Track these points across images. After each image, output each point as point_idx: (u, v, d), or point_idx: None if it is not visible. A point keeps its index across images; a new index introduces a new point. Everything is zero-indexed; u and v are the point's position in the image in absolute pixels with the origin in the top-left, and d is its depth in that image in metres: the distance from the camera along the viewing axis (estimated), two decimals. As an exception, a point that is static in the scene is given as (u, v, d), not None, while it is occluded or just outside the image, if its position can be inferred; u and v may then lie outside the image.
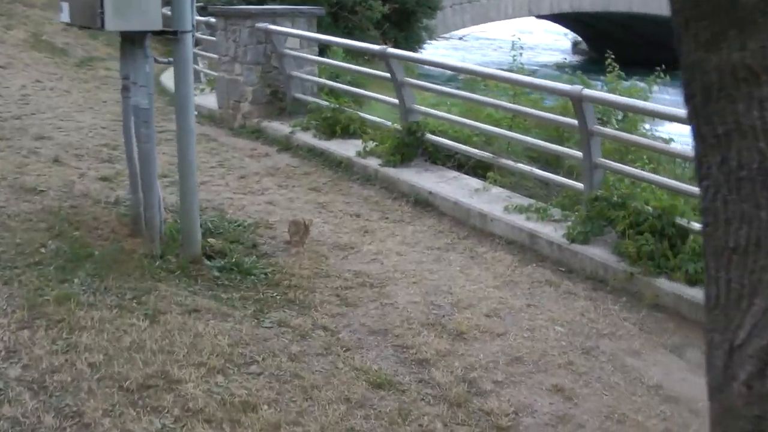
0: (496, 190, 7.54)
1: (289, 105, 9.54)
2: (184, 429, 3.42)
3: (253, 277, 5.33)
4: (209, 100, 10.72)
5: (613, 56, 9.32)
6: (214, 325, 4.39)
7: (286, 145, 8.94)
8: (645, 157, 6.90)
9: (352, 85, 9.54)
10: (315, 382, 3.93)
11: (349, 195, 7.58)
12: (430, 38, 19.70)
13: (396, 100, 8.22)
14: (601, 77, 10.87)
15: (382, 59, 7.92)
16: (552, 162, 8.42)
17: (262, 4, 11.96)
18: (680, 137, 9.03)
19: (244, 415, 3.56)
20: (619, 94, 8.00)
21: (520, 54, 9.87)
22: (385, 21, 16.89)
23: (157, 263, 5.10)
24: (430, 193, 7.48)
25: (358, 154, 8.33)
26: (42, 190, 6.25)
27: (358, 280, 5.46)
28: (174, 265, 5.19)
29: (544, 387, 4.34)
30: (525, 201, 7.21)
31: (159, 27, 4.99)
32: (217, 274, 5.25)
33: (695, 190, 6.27)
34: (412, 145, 8.05)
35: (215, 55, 10.38)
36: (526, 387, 4.32)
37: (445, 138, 8.02)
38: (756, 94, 1.40)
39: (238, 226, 6.29)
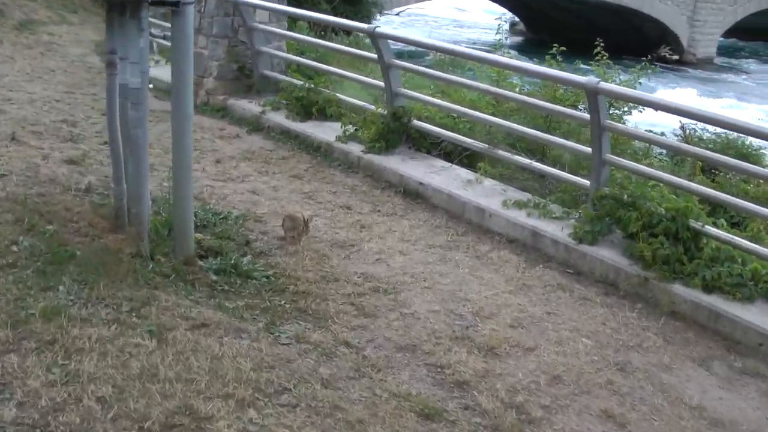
0: (488, 182, 7.15)
1: (257, 82, 8.88)
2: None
3: (254, 281, 4.79)
4: (166, 73, 9.87)
5: (555, 44, 8.77)
6: (230, 344, 3.85)
7: (256, 126, 8.30)
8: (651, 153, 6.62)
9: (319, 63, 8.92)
10: (359, 415, 3.46)
11: (334, 183, 7.05)
12: (380, 13, 19.10)
13: (378, 82, 7.69)
14: (534, 59, 10.37)
15: (370, 38, 7.36)
16: (537, 151, 8.07)
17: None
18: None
19: (289, 460, 3.06)
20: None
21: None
22: (336, -5, 16.24)
23: (150, 266, 4.49)
24: (421, 184, 7.03)
25: (338, 138, 7.79)
26: (3, 174, 5.48)
27: (370, 285, 5.00)
28: (167, 267, 4.59)
29: (592, 412, 4.02)
30: (522, 195, 6.85)
31: (154, -4, 4.33)
32: (214, 277, 4.69)
33: (709, 191, 6.08)
34: (397, 132, 7.57)
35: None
36: (574, 412, 3.99)
37: (431, 124, 7.54)
38: None
39: (224, 218, 5.71)
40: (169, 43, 4.64)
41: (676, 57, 26.30)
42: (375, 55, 7.49)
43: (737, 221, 6.91)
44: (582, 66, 9.92)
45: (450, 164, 7.47)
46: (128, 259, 4.53)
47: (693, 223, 5.71)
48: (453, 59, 10.70)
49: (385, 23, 27.90)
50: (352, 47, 9.84)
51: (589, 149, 6.27)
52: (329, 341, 4.20)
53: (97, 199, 5.48)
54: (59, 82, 8.84)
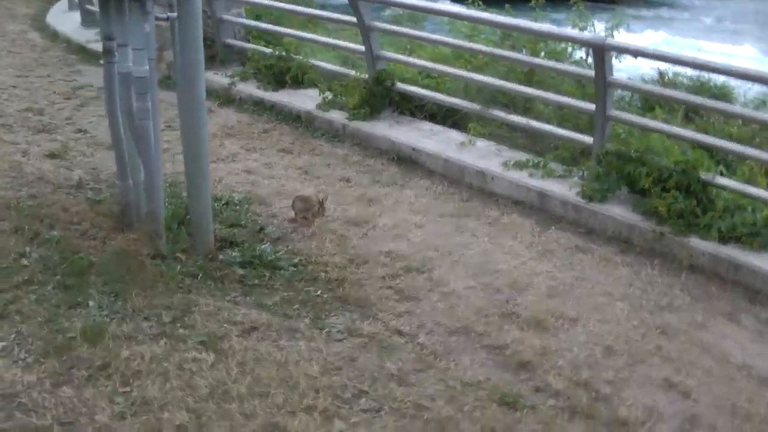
0: (481, 143, 6.99)
1: (221, 52, 8.41)
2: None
3: (282, 271, 4.54)
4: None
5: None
6: (288, 348, 3.63)
7: (226, 99, 7.89)
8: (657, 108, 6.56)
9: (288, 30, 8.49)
10: (445, 413, 3.32)
11: (324, 155, 6.77)
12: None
13: (357, 46, 7.37)
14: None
15: (351, 2, 6.99)
16: (518, 106, 7.92)
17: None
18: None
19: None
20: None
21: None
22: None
23: (178, 267, 4.18)
24: (414, 149, 6.82)
25: (319, 107, 7.48)
26: (-14, 176, 5.03)
27: (400, 265, 4.81)
28: (192, 265, 4.31)
29: (654, 382, 3.98)
30: (519, 155, 6.72)
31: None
32: (241, 272, 4.42)
33: (718, 142, 6.07)
34: (381, 96, 7.30)
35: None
36: (637, 384, 3.94)
37: (416, 87, 7.30)
38: None
39: (227, 204, 5.40)
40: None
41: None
42: (353, 18, 7.14)
43: (726, 164, 6.93)
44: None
45: (440, 127, 7.27)
46: (150, 262, 4.21)
47: (704, 175, 5.69)
48: (411, 14, 10.35)
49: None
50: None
51: (587, 105, 6.16)
52: (381, 331, 4.02)
53: (92, 195, 5.09)
54: (8, 65, 8.19)
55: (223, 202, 5.40)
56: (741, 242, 5.38)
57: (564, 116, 7.39)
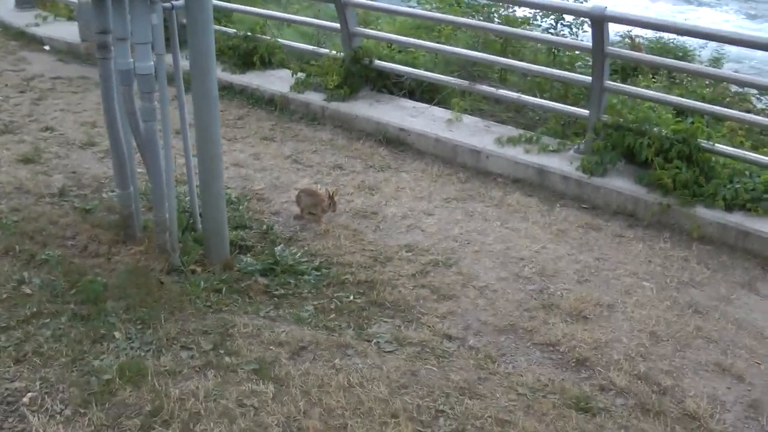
0: (468, 119, 6.78)
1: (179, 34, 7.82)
2: None
3: (306, 276, 4.23)
4: (63, 31, 8.58)
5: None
6: (345, 368, 3.36)
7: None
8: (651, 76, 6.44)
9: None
10: (529, 426, 3.11)
11: (308, 140, 6.43)
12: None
13: (331, 24, 7.00)
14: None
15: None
16: (493, 78, 7.73)
17: None
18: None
19: None
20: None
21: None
22: None
23: (201, 283, 3.81)
24: (402, 129, 6.54)
25: (293, 88, 7.09)
26: (-41, 190, 4.51)
27: (425, 260, 4.57)
28: (213, 279, 3.95)
29: (708, 368, 3.90)
30: (508, 130, 6.55)
31: (169, -42, 3.49)
32: (264, 281, 4.09)
33: (718, 109, 6.01)
34: (359, 75, 6.97)
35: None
36: (692, 372, 3.86)
37: (395, 64, 6.99)
38: None
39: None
40: None
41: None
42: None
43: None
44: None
45: (422, 104, 7.01)
46: (167, 279, 3.84)
47: (704, 143, 5.62)
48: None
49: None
50: None
51: (582, 77, 6.00)
52: (430, 337, 3.78)
53: (80, 204, 4.63)
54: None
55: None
56: (746, 209, 5.37)
57: (539, 87, 7.25)
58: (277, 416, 2.95)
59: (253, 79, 7.31)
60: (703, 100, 6.82)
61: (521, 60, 7.31)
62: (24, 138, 5.56)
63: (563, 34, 8.14)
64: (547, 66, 7.16)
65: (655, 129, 5.72)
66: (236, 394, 3.05)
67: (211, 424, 2.86)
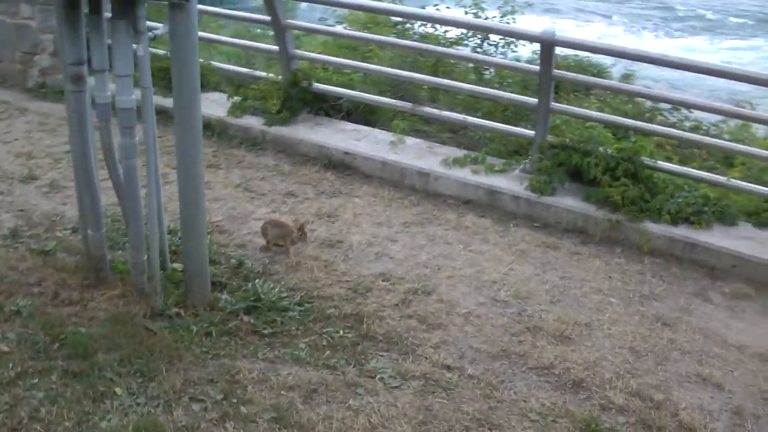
0: (410, 140, 6.82)
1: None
2: None
3: (290, 312, 4.13)
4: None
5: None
6: (362, 409, 3.32)
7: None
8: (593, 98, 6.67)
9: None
10: (552, 456, 3.14)
11: (254, 167, 6.29)
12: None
13: (268, 46, 6.88)
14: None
15: (265, 0, 6.45)
16: (424, 98, 7.81)
17: None
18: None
19: None
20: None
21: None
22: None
23: (194, 327, 3.64)
24: (347, 153, 6.50)
25: (230, 113, 6.90)
26: None
27: (403, 289, 4.56)
28: (204, 322, 3.78)
29: (690, 380, 4.08)
30: (452, 151, 6.64)
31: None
32: (252, 321, 3.95)
33: (657, 128, 6.29)
34: (298, 98, 6.87)
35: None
36: (678, 384, 4.02)
37: (334, 86, 6.95)
38: None
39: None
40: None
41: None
42: (266, 17, 6.61)
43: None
44: None
45: (363, 127, 6.99)
46: (156, 326, 3.64)
47: (647, 161, 5.88)
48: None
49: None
50: None
51: (527, 99, 6.16)
52: (430, 369, 3.77)
53: (37, 246, 4.33)
54: None
55: (180, 235, 4.78)
56: (689, 222, 5.65)
57: (473, 106, 7.40)
58: (312, 467, 2.84)
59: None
60: (626, 116, 7.12)
61: (453, 80, 7.41)
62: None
63: (490, 53, 8.31)
64: (476, 85, 7.29)
65: (600, 148, 5.93)
66: (261, 447, 2.92)
67: (245, 481, 2.72)
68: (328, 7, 8.01)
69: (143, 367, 3.30)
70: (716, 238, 5.51)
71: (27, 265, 4.06)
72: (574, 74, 6.33)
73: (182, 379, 3.27)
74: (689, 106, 6.21)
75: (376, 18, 8.03)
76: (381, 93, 7.48)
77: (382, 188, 6.17)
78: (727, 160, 7.03)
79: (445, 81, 6.60)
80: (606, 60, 9.18)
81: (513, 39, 7.73)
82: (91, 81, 3.68)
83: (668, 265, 5.37)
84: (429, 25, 8.01)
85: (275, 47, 6.76)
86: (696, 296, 5.00)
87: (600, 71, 9.23)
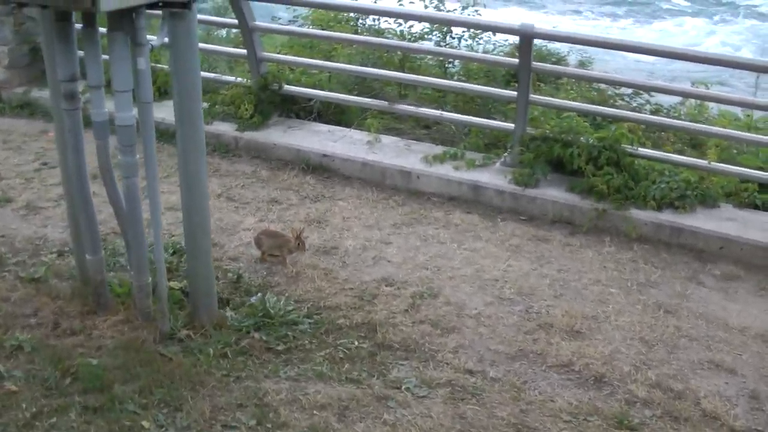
0: (386, 139, 6.73)
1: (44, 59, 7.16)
2: None
3: (300, 326, 4.01)
4: None
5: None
6: (398, 423, 3.25)
7: (85, 119, 6.73)
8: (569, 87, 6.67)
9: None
10: (596, 457, 3.10)
11: (232, 175, 6.12)
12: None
13: (235, 50, 6.69)
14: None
15: (233, 2, 6.25)
16: (392, 94, 7.73)
17: None
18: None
19: None
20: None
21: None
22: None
23: (210, 350, 3.50)
24: (325, 155, 6.37)
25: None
26: None
27: (408, 293, 4.48)
28: (217, 342, 3.64)
29: (703, 366, 4.10)
30: (429, 148, 6.58)
31: (154, -3, 3.16)
32: (264, 338, 3.81)
33: (636, 115, 6.33)
34: (269, 102, 6.71)
35: None
36: (692, 372, 4.04)
37: (305, 87, 6.81)
38: None
39: (175, 253, 4.63)
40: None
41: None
42: (233, 20, 6.42)
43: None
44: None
45: (336, 127, 6.87)
46: (170, 351, 3.48)
47: (628, 148, 5.92)
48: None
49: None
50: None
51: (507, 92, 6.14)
52: (453, 375, 3.71)
53: (26, 273, 4.11)
54: None
55: (171, 251, 4.61)
56: (674, 207, 5.70)
57: (438, 101, 7.36)
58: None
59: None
60: (593, 102, 7.16)
61: (421, 75, 7.34)
62: None
63: (453, 46, 8.25)
64: (441, 78, 7.23)
65: (581, 138, 5.94)
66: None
67: None
68: (289, 6, 7.80)
69: (166, 397, 3.14)
70: (701, 221, 5.58)
71: (19, 295, 3.83)
72: (552, 66, 6.31)
73: (210, 406, 3.12)
74: (668, 92, 6.27)
75: (337, 16, 7.88)
76: (349, 92, 7.36)
77: (365, 189, 6.06)
78: (691, 142, 7.17)
79: (421, 78, 6.54)
80: (562, 48, 9.26)
81: (479, 32, 7.68)
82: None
83: (657, 251, 5.41)
84: (393, 20, 7.90)
85: (243, 51, 6.56)
86: (689, 281, 5.04)
87: (559, 59, 9.30)
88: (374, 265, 4.82)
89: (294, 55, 7.12)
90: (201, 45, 7.28)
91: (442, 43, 8.31)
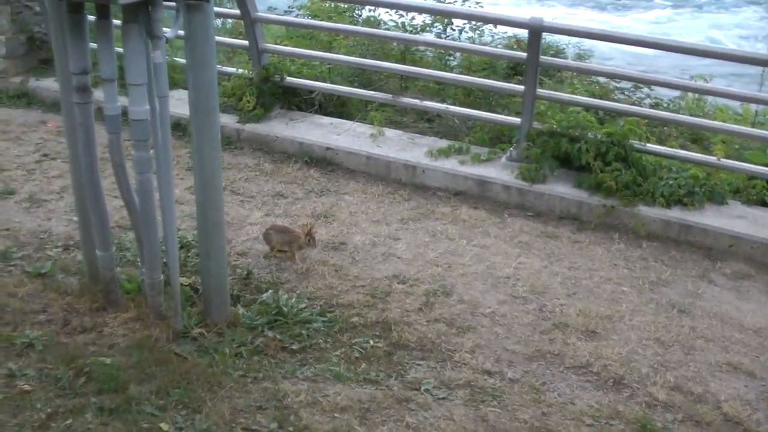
0: (390, 132, 6.65)
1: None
2: None
3: (314, 324, 3.93)
4: None
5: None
6: (421, 426, 3.17)
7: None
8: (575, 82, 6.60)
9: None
10: (623, 462, 3.05)
11: (235, 167, 6.02)
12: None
13: (237, 41, 6.57)
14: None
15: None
16: (393, 87, 7.65)
17: None
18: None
19: None
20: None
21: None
22: None
23: (226, 350, 3.41)
24: (328, 148, 6.28)
25: (201, 110, 6.54)
26: None
27: (421, 291, 4.41)
28: (232, 341, 3.56)
29: (721, 369, 4.06)
30: (434, 142, 6.51)
31: (171, -13, 3.05)
32: (278, 336, 3.72)
33: (642, 110, 6.27)
34: (271, 93, 6.61)
35: None
36: (710, 374, 3.99)
37: (307, 79, 6.71)
38: None
39: (182, 247, 4.52)
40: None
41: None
42: (235, 11, 6.30)
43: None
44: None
45: (339, 120, 6.80)
46: (184, 350, 3.39)
47: (636, 144, 5.87)
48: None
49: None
50: None
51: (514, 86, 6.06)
52: (471, 376, 3.64)
53: (33, 269, 4.00)
54: None
55: (178, 246, 4.49)
56: (683, 204, 5.66)
57: (438, 94, 7.29)
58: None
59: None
60: (594, 96, 7.11)
61: (423, 67, 7.25)
62: None
63: (453, 38, 8.18)
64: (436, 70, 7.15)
65: (589, 134, 5.88)
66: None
67: None
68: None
69: (184, 398, 3.05)
70: (710, 218, 5.54)
71: (27, 291, 3.73)
72: (560, 60, 6.24)
73: (229, 408, 3.04)
74: (681, 88, 6.23)
75: (338, 7, 7.77)
76: (350, 84, 7.28)
77: (370, 184, 5.98)
78: (692, 136, 7.14)
79: (425, 71, 6.46)
80: (562, 40, 9.20)
81: (480, 24, 7.60)
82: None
83: (667, 249, 5.37)
84: (395, 11, 7.82)
85: (244, 42, 6.45)
86: (700, 279, 5.00)
87: (557, 51, 9.24)
88: (384, 262, 4.74)
89: (293, 47, 7.00)
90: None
91: (442, 35, 8.24)
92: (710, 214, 5.61)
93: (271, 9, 9.84)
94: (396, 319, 4.04)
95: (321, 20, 7.44)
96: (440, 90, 7.41)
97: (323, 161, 6.23)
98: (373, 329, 3.94)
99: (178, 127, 6.51)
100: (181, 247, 4.40)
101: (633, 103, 7.73)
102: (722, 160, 5.80)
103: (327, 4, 8.33)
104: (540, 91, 6.01)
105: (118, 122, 3.28)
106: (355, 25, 8.14)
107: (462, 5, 8.32)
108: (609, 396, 3.65)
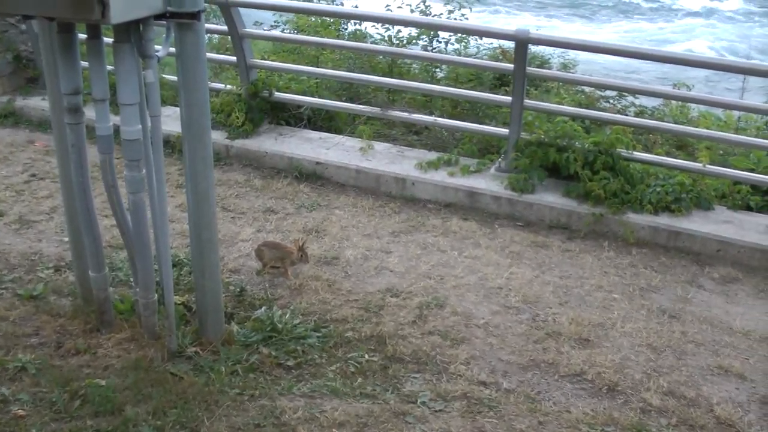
0: (379, 146, 6.68)
1: (44, 73, 7.01)
2: None
3: (308, 340, 3.93)
4: None
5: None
6: None
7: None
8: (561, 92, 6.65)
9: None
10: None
11: (225, 184, 6.03)
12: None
13: (225, 57, 6.59)
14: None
15: (221, 8, 6.15)
16: (381, 99, 7.69)
17: None
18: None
19: None
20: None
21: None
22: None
23: (222, 368, 3.42)
24: (318, 163, 6.30)
25: (190, 127, 6.55)
26: None
27: (414, 304, 4.42)
28: (227, 359, 3.56)
29: (713, 372, 4.09)
30: (423, 154, 6.54)
31: (160, 8, 3.07)
32: (273, 353, 3.73)
33: (630, 119, 6.33)
34: (260, 109, 6.63)
35: None
36: (702, 378, 4.03)
37: (295, 94, 6.74)
38: None
39: (175, 265, 4.52)
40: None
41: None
42: (223, 27, 6.33)
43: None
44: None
45: (327, 134, 6.82)
46: (180, 370, 3.39)
47: (623, 152, 5.93)
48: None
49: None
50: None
51: (502, 97, 6.11)
52: (467, 388, 3.66)
53: (23, 291, 3.98)
54: None
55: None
56: (670, 210, 5.72)
57: (425, 106, 7.34)
58: None
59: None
60: (580, 105, 7.18)
61: (410, 80, 7.30)
62: None
63: (440, 50, 8.24)
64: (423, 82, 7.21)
65: (576, 143, 5.93)
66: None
67: None
68: (273, 12, 7.73)
69: (181, 418, 3.05)
70: (697, 224, 5.59)
71: (19, 314, 3.71)
72: (548, 71, 6.30)
73: (227, 426, 3.04)
74: (669, 97, 6.30)
75: (324, 22, 7.82)
76: (338, 98, 7.31)
77: (360, 197, 6.01)
78: (677, 143, 7.21)
79: (413, 83, 6.49)
80: (546, 51, 9.27)
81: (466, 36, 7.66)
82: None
83: (656, 255, 5.42)
84: (381, 25, 7.87)
85: (231, 57, 6.47)
86: (690, 284, 5.05)
87: (543, 62, 9.32)
88: (377, 275, 4.75)
89: (280, 61, 7.03)
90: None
91: (428, 48, 8.29)
92: (697, 219, 5.67)
93: (257, 24, 9.89)
94: (390, 332, 4.05)
95: (307, 35, 7.46)
96: (427, 102, 7.46)
97: (313, 176, 6.25)
98: (368, 343, 3.96)
99: (167, 144, 6.49)
100: (174, 266, 4.39)
101: (618, 112, 7.81)
102: (707, 166, 5.86)
103: (313, 19, 8.36)
104: (527, 101, 6.05)
105: (111, 142, 3.29)
106: (341, 39, 8.19)
107: (448, 18, 8.40)
108: (604, 403, 3.67)
